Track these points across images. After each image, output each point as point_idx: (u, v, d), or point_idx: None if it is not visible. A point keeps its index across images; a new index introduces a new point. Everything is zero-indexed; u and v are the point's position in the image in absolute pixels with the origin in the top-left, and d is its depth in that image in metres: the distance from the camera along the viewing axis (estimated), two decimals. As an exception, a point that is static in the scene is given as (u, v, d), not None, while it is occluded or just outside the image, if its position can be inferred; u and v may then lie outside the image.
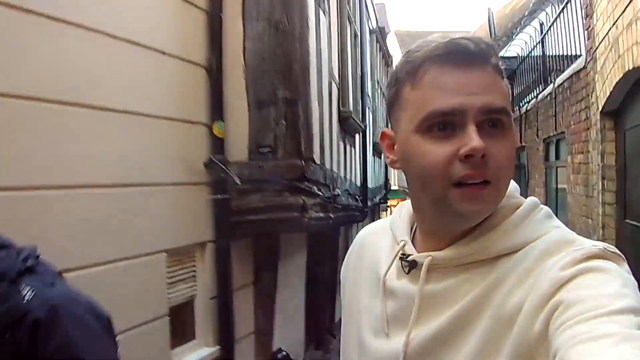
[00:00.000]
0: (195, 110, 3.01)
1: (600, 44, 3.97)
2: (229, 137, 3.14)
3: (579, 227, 4.72)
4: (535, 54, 7.14)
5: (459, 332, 0.64)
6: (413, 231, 0.76)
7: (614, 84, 3.61)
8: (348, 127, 5.31)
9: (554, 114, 5.54)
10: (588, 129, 4.53)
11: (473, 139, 0.61)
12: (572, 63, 5.07)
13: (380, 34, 10.86)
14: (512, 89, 8.16)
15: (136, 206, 2.49)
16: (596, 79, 4.15)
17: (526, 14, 8.24)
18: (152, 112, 2.63)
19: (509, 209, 0.68)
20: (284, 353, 3.83)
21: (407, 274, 0.71)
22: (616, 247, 2.27)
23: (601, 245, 0.61)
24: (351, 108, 5.36)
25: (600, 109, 4.08)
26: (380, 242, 0.81)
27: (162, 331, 2.70)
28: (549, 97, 5.79)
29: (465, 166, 0.62)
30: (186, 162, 2.97)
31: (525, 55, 7.53)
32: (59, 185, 2.04)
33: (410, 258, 0.71)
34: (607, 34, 3.73)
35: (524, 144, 7.22)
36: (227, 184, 3.12)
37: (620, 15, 3.35)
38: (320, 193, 3.59)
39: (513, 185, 0.70)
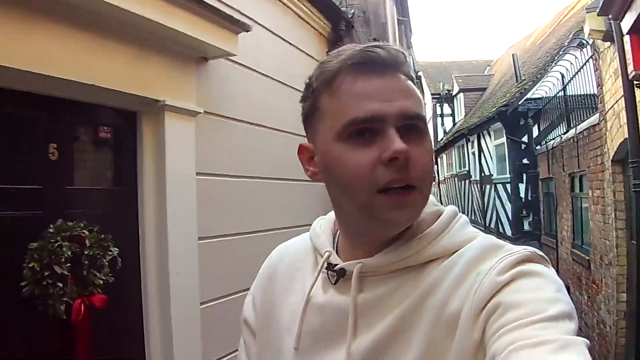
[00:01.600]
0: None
1: (608, 111, 5.37)
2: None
3: (599, 246, 6.05)
4: (559, 95, 8.46)
5: (400, 338, 0.62)
6: (336, 242, 0.75)
7: (618, 144, 5.01)
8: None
9: (576, 154, 6.90)
10: (603, 171, 5.89)
11: (395, 142, 0.61)
12: (590, 102, 6.44)
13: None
14: (539, 126, 9.51)
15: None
16: (607, 135, 5.54)
17: (549, 60, 9.59)
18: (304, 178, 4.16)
19: (433, 215, 0.69)
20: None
21: (334, 284, 0.70)
22: (626, 261, 4.40)
23: (530, 249, 0.62)
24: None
25: (610, 158, 5.46)
26: (298, 259, 0.78)
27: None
28: (572, 140, 7.16)
29: (389, 171, 0.61)
30: (316, 208, 4.47)
31: (549, 97, 8.86)
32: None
33: (337, 267, 0.69)
34: (612, 106, 5.14)
35: (551, 175, 8.54)
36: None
37: (621, 97, 4.74)
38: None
39: (431, 195, 0.71)
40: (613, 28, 3.67)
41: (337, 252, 0.73)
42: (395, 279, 0.66)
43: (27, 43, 1.89)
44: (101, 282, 2.06)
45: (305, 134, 0.75)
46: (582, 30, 8.74)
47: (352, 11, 4.53)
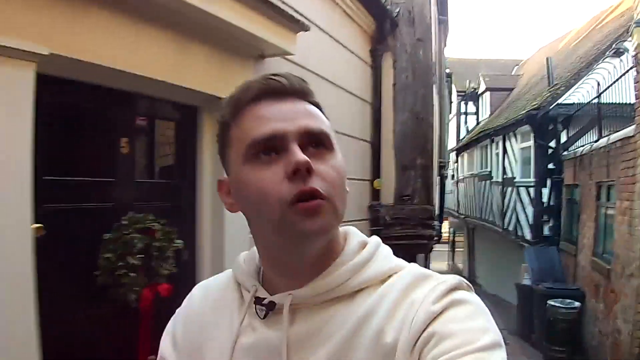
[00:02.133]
0: (364, 171, 4.61)
1: (644, 125, 5.34)
2: (382, 189, 4.73)
3: (622, 257, 6.06)
4: (592, 102, 8.38)
5: None
6: (261, 276, 0.72)
7: (653, 158, 4.99)
8: (441, 172, 6.85)
9: (607, 164, 6.87)
10: (634, 183, 5.87)
11: (296, 154, 0.61)
12: (624, 111, 6.39)
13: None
14: (567, 132, 9.45)
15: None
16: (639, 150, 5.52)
17: (584, 67, 9.47)
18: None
19: (358, 244, 0.70)
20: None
21: (263, 319, 0.67)
22: None
23: (458, 277, 0.64)
24: (444, 158, 6.90)
25: (642, 172, 5.45)
26: (223, 296, 0.74)
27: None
28: (602, 149, 7.12)
29: (296, 184, 0.61)
30: (358, 205, 4.56)
31: (582, 104, 8.78)
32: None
33: (266, 301, 0.67)
34: (650, 121, 5.11)
35: (577, 182, 8.50)
36: (380, 220, 4.70)
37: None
38: (436, 227, 5.13)
39: (353, 228, 0.73)
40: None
41: (262, 285, 0.70)
42: (326, 309, 0.65)
43: (108, 39, 1.97)
44: (166, 272, 2.17)
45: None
46: (622, 38, 8.65)
47: (398, 10, 4.55)
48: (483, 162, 14.11)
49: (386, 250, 0.71)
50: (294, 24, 2.86)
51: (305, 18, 3.25)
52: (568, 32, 16.41)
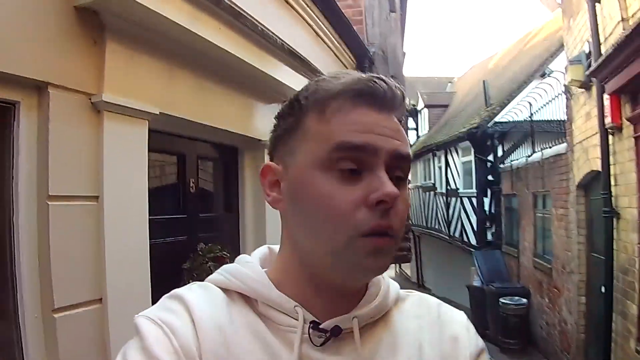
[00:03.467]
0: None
1: (576, 144, 6.29)
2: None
3: (562, 256, 7.00)
4: (525, 120, 9.45)
5: None
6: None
7: (584, 173, 5.93)
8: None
9: (541, 176, 7.87)
10: (567, 193, 6.83)
11: (386, 184, 0.55)
12: (554, 128, 7.40)
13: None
14: (503, 146, 10.56)
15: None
16: (573, 164, 6.47)
17: (516, 88, 10.64)
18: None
19: None
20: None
21: (320, 346, 0.58)
22: (586, 269, 5.60)
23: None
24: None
25: (576, 183, 6.40)
26: (225, 319, 0.58)
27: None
28: (537, 163, 8.13)
29: (374, 215, 0.54)
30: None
31: (516, 122, 9.87)
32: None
33: (329, 325, 0.58)
34: (581, 141, 6.05)
35: (514, 192, 9.54)
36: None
37: (592, 135, 5.63)
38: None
39: None
40: (596, 86, 4.51)
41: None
42: (372, 330, 0.62)
43: (193, 98, 2.39)
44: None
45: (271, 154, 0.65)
46: (547, 62, 9.87)
47: (373, 50, 5.16)
48: (427, 174, 15.14)
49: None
50: (311, 72, 3.38)
51: (305, 57, 3.76)
52: (495, 53, 17.95)
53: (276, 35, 2.74)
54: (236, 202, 3.03)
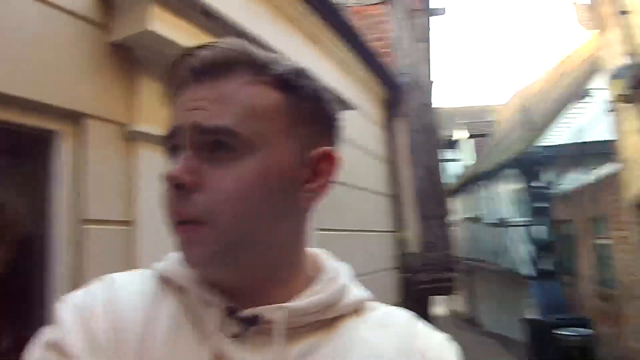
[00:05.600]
0: (389, 223, 5.09)
1: (627, 161, 6.02)
2: (408, 238, 5.20)
3: (625, 282, 6.57)
4: (572, 142, 9.13)
5: None
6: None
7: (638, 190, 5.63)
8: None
9: (595, 199, 7.53)
10: (624, 214, 6.49)
11: (172, 168, 0.50)
12: (602, 149, 7.14)
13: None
14: (552, 171, 10.19)
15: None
16: (626, 183, 6.17)
17: (559, 110, 10.37)
18: (377, 229, 4.72)
19: (336, 266, 0.62)
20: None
21: (236, 337, 0.51)
22: None
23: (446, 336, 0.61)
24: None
25: (632, 202, 6.08)
26: (147, 302, 0.54)
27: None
28: (589, 186, 7.80)
29: (172, 202, 0.50)
30: (384, 254, 5.01)
31: (563, 145, 9.56)
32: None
33: (246, 314, 0.52)
34: (631, 157, 5.79)
35: (569, 217, 9.14)
36: (410, 267, 5.15)
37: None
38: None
39: (317, 249, 0.63)
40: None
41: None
42: (314, 332, 0.55)
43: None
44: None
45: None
46: (589, 83, 9.61)
47: (405, 80, 5.22)
48: (475, 205, 14.78)
49: (352, 274, 0.64)
50: (343, 104, 3.43)
51: (340, 95, 3.83)
52: (536, 77, 17.64)
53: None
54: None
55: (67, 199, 1.61)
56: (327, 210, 3.61)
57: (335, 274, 0.60)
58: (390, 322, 0.60)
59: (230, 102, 0.51)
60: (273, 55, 0.55)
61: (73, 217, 1.62)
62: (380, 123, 5.18)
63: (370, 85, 4.93)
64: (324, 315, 0.56)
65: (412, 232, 5.19)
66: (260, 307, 0.52)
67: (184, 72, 0.52)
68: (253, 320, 0.52)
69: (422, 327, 0.60)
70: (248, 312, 0.52)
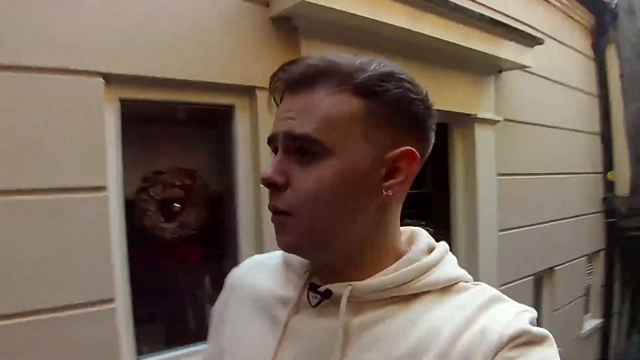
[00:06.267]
0: (595, 164, 4.65)
1: None
2: (616, 180, 4.69)
3: None
4: None
5: None
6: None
7: None
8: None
9: None
10: None
11: (267, 169, 0.60)
12: None
13: None
14: None
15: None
16: None
17: None
18: (578, 171, 4.37)
19: (425, 246, 0.66)
20: None
21: (315, 306, 0.63)
22: None
23: (531, 312, 0.59)
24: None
25: None
26: (266, 277, 0.72)
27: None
28: None
29: (270, 196, 0.61)
30: (589, 198, 4.61)
31: None
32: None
33: (322, 288, 0.62)
34: None
35: None
36: (616, 212, 4.67)
37: None
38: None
39: (420, 229, 0.69)
40: None
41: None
42: (386, 307, 0.61)
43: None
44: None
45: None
46: None
47: (616, 1, 4.49)
48: None
49: (452, 258, 0.67)
50: (530, 40, 3.23)
51: (532, 27, 3.56)
52: None
53: (472, 9, 2.75)
54: (446, 179, 3.15)
55: (246, 163, 1.98)
56: (515, 154, 3.53)
57: (417, 254, 0.64)
58: (470, 302, 0.59)
59: (314, 112, 0.58)
60: (363, 62, 0.60)
61: (253, 178, 2.00)
62: (587, 53, 4.62)
63: (574, 11, 4.41)
64: (398, 292, 0.60)
65: (621, 174, 4.64)
66: (332, 284, 0.62)
67: (280, 85, 0.61)
68: (327, 294, 0.62)
69: (498, 306, 0.59)
70: (323, 287, 0.62)
